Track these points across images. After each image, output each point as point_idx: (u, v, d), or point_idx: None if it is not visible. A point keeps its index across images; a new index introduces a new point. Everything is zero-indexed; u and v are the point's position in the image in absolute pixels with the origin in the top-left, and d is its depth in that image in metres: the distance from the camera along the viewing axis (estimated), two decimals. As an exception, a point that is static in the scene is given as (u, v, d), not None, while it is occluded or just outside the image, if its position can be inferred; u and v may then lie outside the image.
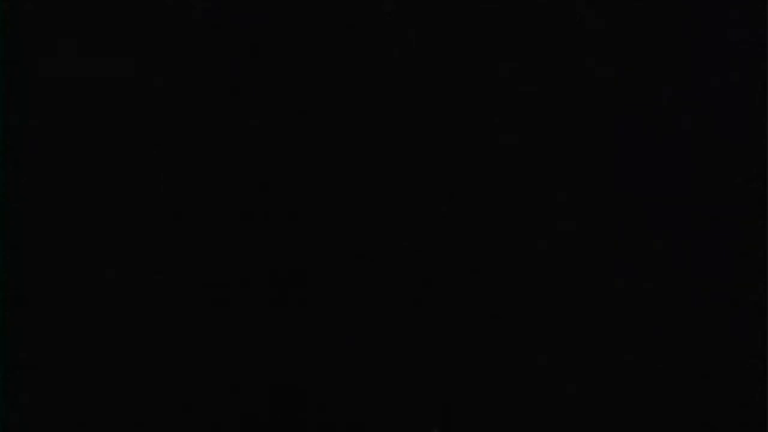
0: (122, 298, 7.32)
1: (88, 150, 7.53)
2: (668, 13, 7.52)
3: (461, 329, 7.39)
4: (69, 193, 7.44)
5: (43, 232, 7.33)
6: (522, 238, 7.47)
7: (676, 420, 7.16)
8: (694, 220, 7.42)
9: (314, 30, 7.70)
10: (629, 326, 7.32)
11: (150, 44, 7.58)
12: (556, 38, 7.61)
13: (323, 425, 7.31)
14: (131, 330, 7.28)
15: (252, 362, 7.33)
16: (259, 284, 7.45)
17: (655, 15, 7.55)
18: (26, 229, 7.27)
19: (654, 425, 7.17)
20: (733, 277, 7.27)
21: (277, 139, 7.68)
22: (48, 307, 7.24)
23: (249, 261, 7.53)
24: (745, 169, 7.39)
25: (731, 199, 7.39)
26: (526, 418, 7.24)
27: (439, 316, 7.43)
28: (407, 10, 7.65)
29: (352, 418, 7.34)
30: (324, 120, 7.67)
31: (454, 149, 7.57)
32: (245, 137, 7.64)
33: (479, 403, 7.31)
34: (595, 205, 7.49)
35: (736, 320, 7.25)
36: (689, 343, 7.26)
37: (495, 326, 7.40)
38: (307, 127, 7.69)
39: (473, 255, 7.48)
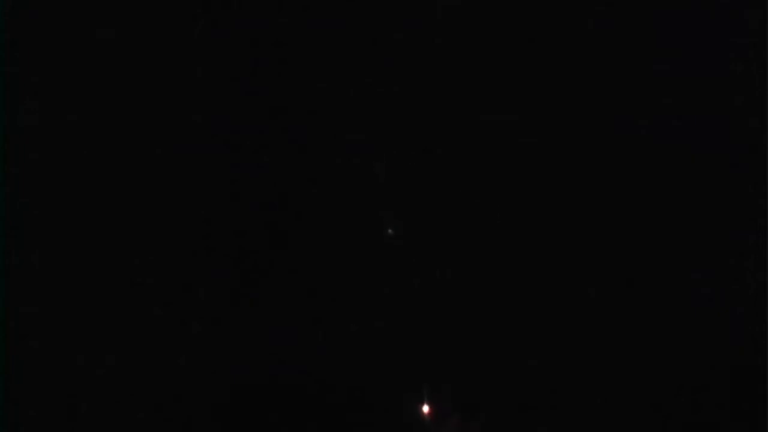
0: (120, 299, 7.31)
1: (87, 152, 7.55)
2: (668, 13, 7.53)
3: (460, 329, 7.41)
4: (68, 195, 7.46)
5: (42, 235, 7.38)
6: (522, 237, 7.49)
7: (676, 420, 7.18)
8: (693, 220, 7.43)
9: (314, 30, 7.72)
10: (629, 326, 7.34)
11: (149, 47, 7.63)
12: (556, 38, 7.62)
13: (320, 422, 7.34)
14: (129, 331, 7.28)
15: (249, 361, 7.36)
16: (256, 284, 7.49)
17: (654, 14, 7.56)
18: (27, 231, 7.28)
19: (654, 425, 7.19)
20: (734, 277, 7.30)
21: (275, 141, 7.71)
22: (47, 308, 7.24)
23: (246, 261, 7.59)
24: (745, 169, 7.40)
25: (731, 199, 7.40)
26: (526, 417, 7.25)
27: (438, 316, 7.45)
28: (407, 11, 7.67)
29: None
30: (320, 119, 7.69)
31: (455, 149, 7.59)
32: (241, 137, 7.68)
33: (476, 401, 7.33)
34: (594, 205, 7.50)
35: (735, 320, 7.26)
36: (689, 343, 7.27)
37: (493, 325, 7.42)
38: (304, 126, 7.70)
39: (472, 254, 7.49)
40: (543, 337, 7.36)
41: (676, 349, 7.27)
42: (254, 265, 7.49)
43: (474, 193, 7.54)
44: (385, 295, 7.42)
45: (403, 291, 7.43)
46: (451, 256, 7.48)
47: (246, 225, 7.51)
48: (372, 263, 7.47)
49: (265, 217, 7.49)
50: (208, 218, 7.50)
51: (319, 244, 7.52)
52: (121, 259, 7.37)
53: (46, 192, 7.36)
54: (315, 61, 7.59)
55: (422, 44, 7.60)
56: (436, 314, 7.43)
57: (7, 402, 6.97)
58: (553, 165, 7.55)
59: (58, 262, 7.31)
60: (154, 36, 7.50)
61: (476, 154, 7.57)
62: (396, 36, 7.57)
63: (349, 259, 7.47)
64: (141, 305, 7.31)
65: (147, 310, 7.32)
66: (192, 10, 7.56)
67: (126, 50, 7.47)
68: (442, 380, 7.29)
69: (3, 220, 7.17)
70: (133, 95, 7.52)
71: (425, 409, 7.22)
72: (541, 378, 7.29)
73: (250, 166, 7.54)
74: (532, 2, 7.58)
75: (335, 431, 7.28)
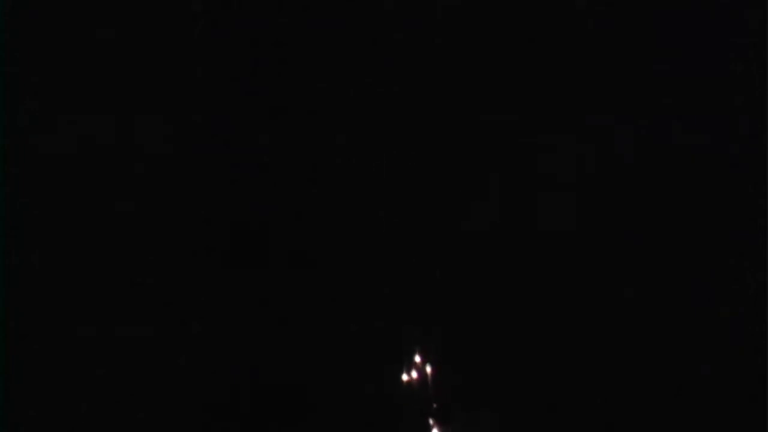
0: (120, 299, 7.30)
1: (87, 151, 7.55)
2: (668, 13, 7.53)
3: (464, 328, 7.41)
4: (68, 195, 7.46)
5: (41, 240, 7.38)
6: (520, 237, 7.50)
7: (676, 420, 7.17)
8: (693, 220, 7.43)
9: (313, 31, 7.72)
10: (629, 326, 7.34)
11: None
12: (556, 38, 7.62)
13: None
14: (128, 330, 7.27)
15: (248, 360, 7.35)
16: (255, 283, 7.47)
17: (654, 14, 7.56)
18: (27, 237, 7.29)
19: (655, 425, 7.19)
20: (734, 277, 7.30)
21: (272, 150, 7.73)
22: (46, 311, 7.25)
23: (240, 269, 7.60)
24: (745, 169, 7.39)
25: (731, 199, 7.40)
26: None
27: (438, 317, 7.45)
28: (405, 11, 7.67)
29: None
30: (320, 119, 7.69)
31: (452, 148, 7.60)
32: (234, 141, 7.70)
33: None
34: (594, 205, 7.51)
35: (735, 320, 7.25)
36: (689, 343, 7.26)
37: (495, 325, 7.42)
38: (304, 126, 7.71)
39: (473, 255, 7.50)
40: (544, 337, 7.35)
41: (676, 349, 7.25)
42: (253, 264, 7.49)
43: (474, 192, 7.53)
44: (386, 296, 7.41)
45: (403, 291, 7.42)
46: (450, 255, 7.48)
47: (246, 225, 7.50)
48: (372, 263, 7.46)
49: (265, 216, 7.49)
50: (208, 218, 7.49)
51: (318, 243, 7.51)
52: (121, 259, 7.37)
53: (46, 192, 7.36)
54: (315, 61, 7.59)
55: (422, 44, 7.60)
56: (437, 313, 7.43)
57: (7, 402, 6.97)
58: (553, 165, 7.54)
59: (58, 262, 7.31)
60: (154, 36, 7.50)
61: (476, 154, 7.57)
62: (396, 36, 7.57)
63: (349, 259, 7.47)
64: (141, 305, 7.31)
65: (147, 310, 7.32)
66: (192, 10, 7.56)
67: (126, 50, 7.48)
68: (445, 379, 7.27)
69: (3, 220, 7.17)
70: (133, 95, 7.52)
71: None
72: (543, 377, 7.28)
73: (249, 165, 7.53)
74: (532, 2, 7.57)
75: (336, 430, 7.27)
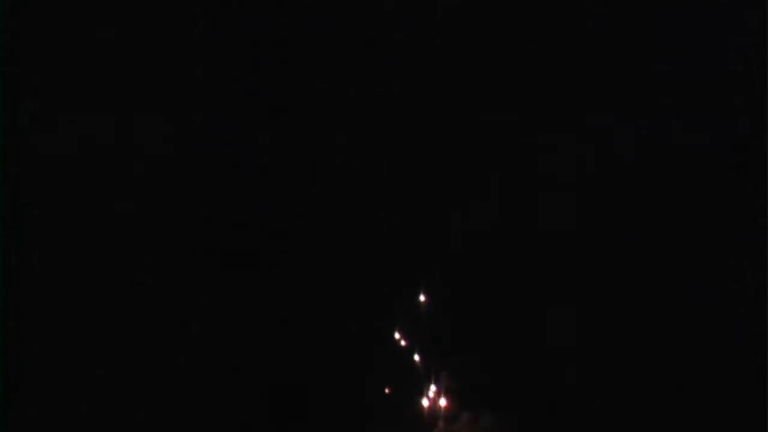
0: (119, 299, 7.33)
1: (86, 151, 7.56)
2: (668, 13, 7.54)
3: (468, 327, 7.42)
4: (68, 195, 7.47)
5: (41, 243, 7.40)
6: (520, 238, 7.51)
7: (676, 420, 7.18)
8: (693, 220, 7.44)
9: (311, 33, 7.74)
10: (629, 326, 7.35)
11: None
12: (556, 38, 7.63)
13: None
14: (128, 331, 7.30)
15: (249, 360, 7.38)
16: (255, 283, 7.51)
17: (654, 14, 7.57)
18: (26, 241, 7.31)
19: (655, 424, 7.20)
20: (734, 277, 7.30)
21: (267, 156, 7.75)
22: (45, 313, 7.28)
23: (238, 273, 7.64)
24: (745, 169, 7.41)
25: (731, 199, 7.41)
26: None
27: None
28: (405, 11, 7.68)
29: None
30: (320, 119, 7.70)
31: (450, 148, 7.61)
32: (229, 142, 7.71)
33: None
34: (594, 205, 7.52)
35: (736, 320, 7.26)
36: (690, 343, 7.27)
37: (498, 324, 7.43)
38: (304, 126, 7.72)
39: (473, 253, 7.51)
40: (545, 337, 7.36)
41: (676, 348, 7.26)
42: (253, 264, 7.50)
43: (475, 192, 7.55)
44: (386, 295, 7.43)
45: (403, 291, 7.43)
46: (450, 255, 7.49)
47: (246, 225, 7.52)
48: (373, 263, 7.48)
49: (265, 216, 7.51)
50: (208, 218, 7.52)
51: (318, 243, 7.53)
52: (121, 259, 7.40)
53: (46, 192, 7.39)
54: (315, 61, 7.60)
55: (422, 44, 7.61)
56: (437, 313, 7.43)
57: (7, 402, 6.99)
58: (553, 165, 7.56)
59: (58, 262, 7.34)
60: (154, 36, 7.53)
61: (476, 154, 7.58)
62: (396, 36, 7.58)
63: (349, 259, 7.49)
64: (141, 305, 7.34)
65: (147, 310, 7.35)
66: (192, 10, 7.58)
67: (126, 50, 7.50)
68: (450, 378, 7.28)
69: (3, 220, 7.20)
70: (133, 95, 7.54)
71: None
72: (543, 377, 7.29)
73: (249, 165, 7.55)
74: (532, 2, 7.59)
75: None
